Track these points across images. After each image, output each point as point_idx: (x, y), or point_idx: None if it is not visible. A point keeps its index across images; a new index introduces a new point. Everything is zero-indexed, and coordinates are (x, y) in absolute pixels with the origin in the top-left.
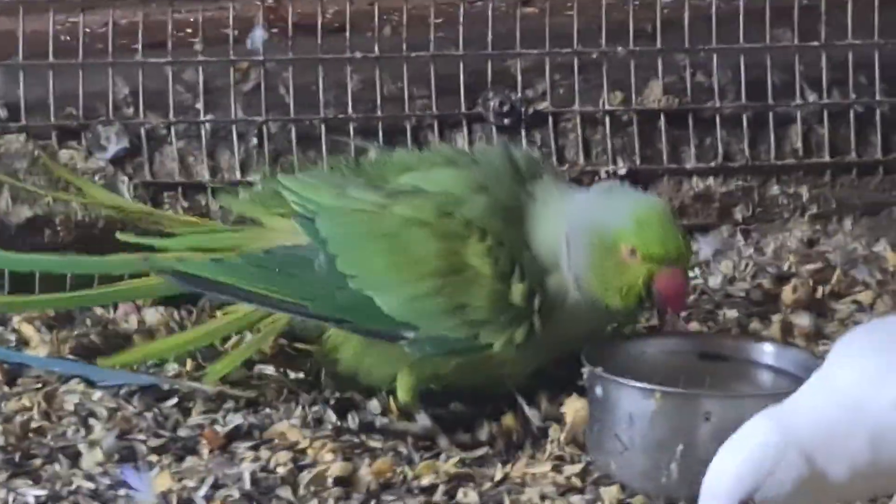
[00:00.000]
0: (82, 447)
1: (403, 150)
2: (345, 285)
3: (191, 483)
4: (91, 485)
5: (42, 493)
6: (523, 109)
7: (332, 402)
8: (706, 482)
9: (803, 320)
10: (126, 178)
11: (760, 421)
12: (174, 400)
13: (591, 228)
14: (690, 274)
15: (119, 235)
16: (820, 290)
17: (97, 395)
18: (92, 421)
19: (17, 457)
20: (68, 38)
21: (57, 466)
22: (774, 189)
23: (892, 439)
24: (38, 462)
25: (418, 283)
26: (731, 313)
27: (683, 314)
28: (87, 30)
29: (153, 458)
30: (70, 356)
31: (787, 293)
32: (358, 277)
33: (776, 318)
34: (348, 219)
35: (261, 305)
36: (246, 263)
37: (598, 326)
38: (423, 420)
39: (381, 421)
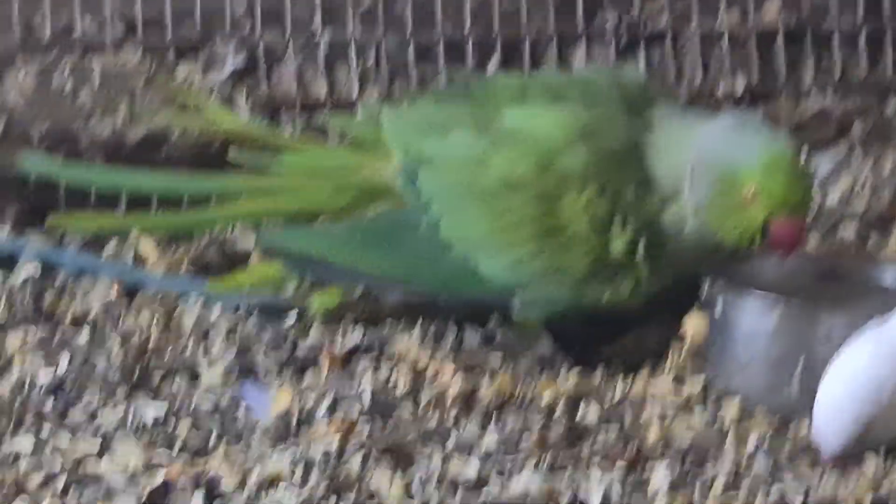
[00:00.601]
0: (202, 364)
1: (509, 76)
2: (449, 252)
3: (310, 401)
4: (210, 402)
5: (162, 409)
6: (641, 27)
7: (452, 318)
8: (818, 415)
9: None
10: (243, 95)
11: (868, 345)
12: (293, 317)
13: (717, 163)
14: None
15: (231, 156)
16: None
17: (215, 312)
18: (211, 338)
19: (136, 373)
20: None
21: (176, 383)
22: (893, 106)
23: None
24: (157, 379)
25: (521, 246)
26: (850, 231)
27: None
28: None
29: (272, 375)
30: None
31: None
32: (462, 243)
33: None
34: (450, 175)
35: (369, 285)
36: (350, 238)
37: (712, 259)
38: (545, 344)
39: (503, 340)
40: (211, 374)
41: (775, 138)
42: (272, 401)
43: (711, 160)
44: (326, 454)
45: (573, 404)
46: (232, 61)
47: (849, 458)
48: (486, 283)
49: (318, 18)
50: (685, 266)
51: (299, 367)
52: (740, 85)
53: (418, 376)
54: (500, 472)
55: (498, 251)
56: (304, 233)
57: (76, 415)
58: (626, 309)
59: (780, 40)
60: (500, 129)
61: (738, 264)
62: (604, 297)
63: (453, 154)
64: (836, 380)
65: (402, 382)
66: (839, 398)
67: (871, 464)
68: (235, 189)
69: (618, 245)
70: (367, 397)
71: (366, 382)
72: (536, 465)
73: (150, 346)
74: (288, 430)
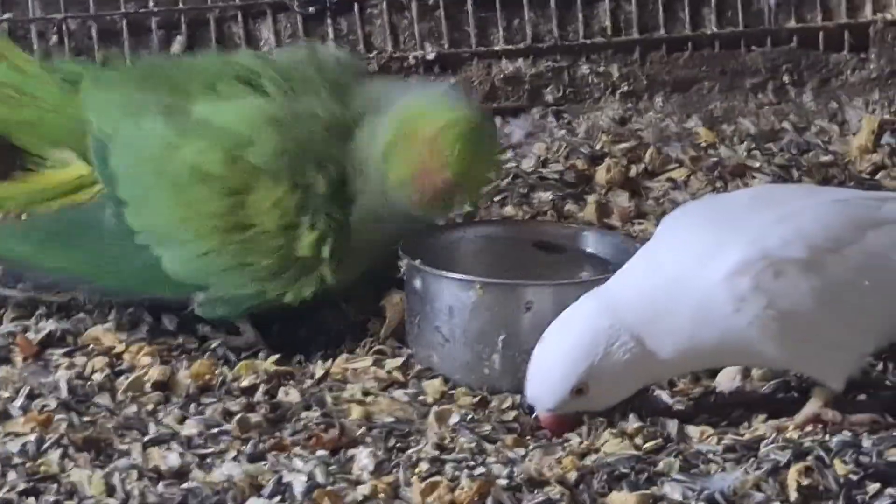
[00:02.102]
0: None
1: (204, 59)
2: (131, 248)
3: (5, 393)
4: None
5: None
6: None
7: (146, 303)
8: (533, 370)
9: (619, 200)
10: None
11: (587, 303)
12: None
13: (401, 117)
14: (502, 157)
15: None
16: (633, 168)
17: None
18: None
19: None
20: None
21: None
22: (584, 69)
23: (714, 315)
24: None
25: (205, 240)
26: (546, 196)
27: None
28: None
29: None
30: None
31: (601, 173)
32: (145, 232)
33: (591, 199)
34: (139, 159)
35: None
36: (33, 232)
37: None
38: (247, 332)
39: (204, 330)
40: None
41: (455, 104)
42: None
43: (397, 118)
44: (24, 450)
45: (273, 388)
46: None
47: (564, 419)
48: (168, 281)
49: None
50: (379, 247)
51: None
52: (431, 52)
53: (114, 364)
54: (202, 461)
55: (182, 243)
56: None
57: None
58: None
59: (469, 4)
60: (189, 119)
61: (435, 238)
62: (286, 296)
63: (145, 138)
64: (552, 337)
65: (98, 371)
66: (554, 354)
67: (575, 438)
68: None
69: (305, 242)
70: (63, 388)
71: (61, 373)
72: (239, 452)
73: None
74: None
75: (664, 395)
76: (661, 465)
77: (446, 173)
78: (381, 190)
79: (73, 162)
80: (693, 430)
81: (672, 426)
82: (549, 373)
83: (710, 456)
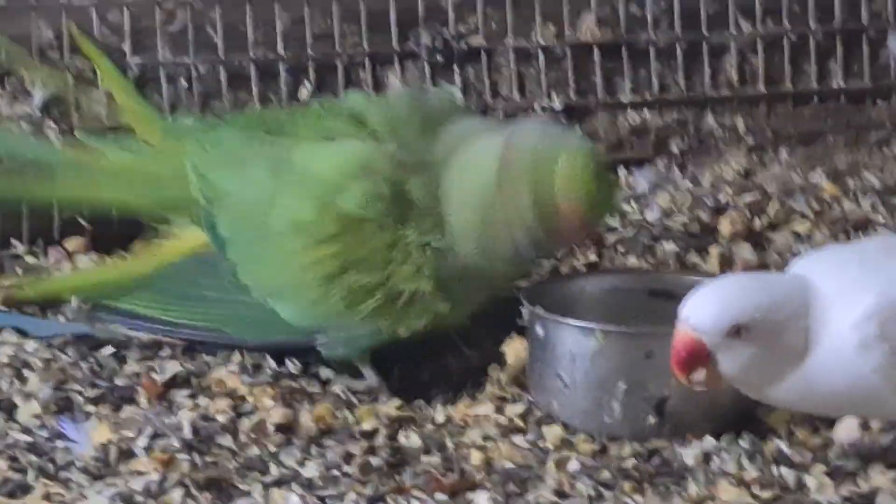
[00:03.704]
0: (18, 399)
1: (311, 104)
2: (250, 298)
3: (129, 433)
4: (28, 437)
5: None
6: (456, 45)
7: (270, 348)
8: (710, 288)
9: (742, 252)
10: (53, 124)
11: (795, 269)
12: (110, 349)
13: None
14: (627, 207)
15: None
16: (757, 221)
17: (31, 345)
18: (27, 372)
19: None
20: None
21: None
22: (710, 120)
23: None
24: None
25: (311, 289)
26: (670, 247)
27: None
28: None
29: (90, 408)
30: (1, 307)
31: (725, 225)
32: (258, 287)
33: (714, 250)
34: (243, 215)
35: (180, 336)
36: (162, 289)
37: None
38: (369, 376)
39: (326, 374)
40: (28, 409)
41: (573, 137)
42: (91, 435)
43: (516, 161)
44: (147, 489)
45: (394, 431)
46: (41, 89)
47: (699, 355)
48: (288, 327)
49: (127, 43)
50: (492, 285)
51: (117, 400)
52: (557, 102)
53: (238, 405)
54: (323, 502)
55: (291, 295)
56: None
57: None
58: (438, 333)
59: (596, 55)
60: (291, 164)
61: (560, 281)
62: (400, 330)
63: (246, 193)
64: (749, 274)
65: (221, 412)
66: (741, 283)
67: (692, 487)
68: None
69: (403, 278)
70: (187, 429)
71: (185, 414)
72: (359, 494)
73: None
74: (107, 464)
75: (783, 445)
76: None
77: (581, 204)
78: (489, 225)
79: (189, 228)
80: (811, 481)
81: (790, 476)
82: (725, 296)
83: None
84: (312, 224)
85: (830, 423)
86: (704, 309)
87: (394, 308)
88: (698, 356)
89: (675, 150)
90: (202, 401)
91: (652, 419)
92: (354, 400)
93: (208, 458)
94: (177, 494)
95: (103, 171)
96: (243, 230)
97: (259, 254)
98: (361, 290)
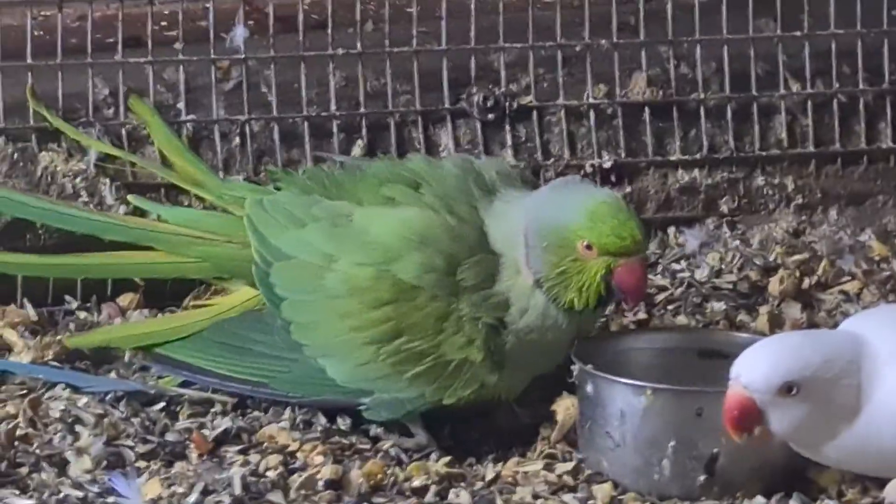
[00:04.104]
0: (69, 454)
1: (374, 165)
2: (300, 355)
3: (180, 489)
4: (79, 493)
5: (30, 502)
6: (507, 104)
7: (318, 405)
8: (763, 345)
9: (791, 311)
10: (108, 181)
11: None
12: (161, 404)
13: (544, 227)
14: (676, 266)
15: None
16: (806, 280)
17: (83, 401)
18: (78, 427)
19: (3, 466)
20: (42, 33)
21: (44, 474)
22: (759, 180)
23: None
24: (24, 470)
25: (361, 350)
26: (719, 306)
27: (641, 304)
28: (63, 26)
29: (141, 464)
30: (54, 362)
31: (774, 284)
32: (310, 346)
33: (764, 309)
34: (300, 275)
35: (225, 387)
36: (213, 340)
37: (571, 330)
38: (419, 434)
39: (376, 431)
40: (79, 465)
41: (597, 190)
42: (141, 491)
43: (539, 227)
44: None
45: (444, 489)
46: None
47: (750, 413)
48: (335, 386)
49: (182, 103)
50: (547, 345)
51: (168, 455)
52: (608, 160)
53: (288, 461)
54: None
55: (342, 355)
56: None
57: None
58: (490, 401)
59: (647, 114)
60: (350, 227)
61: (609, 338)
62: (446, 398)
63: (305, 252)
64: (802, 333)
65: (272, 469)
66: (793, 342)
67: None
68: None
69: (454, 349)
70: (237, 485)
71: (235, 470)
72: None
73: (17, 436)
74: None
75: None
76: None
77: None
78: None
79: (240, 287)
80: None
81: None
82: (776, 355)
83: None
84: (368, 289)
85: (881, 483)
86: (756, 367)
87: (441, 375)
88: (750, 415)
89: (724, 209)
90: (253, 457)
91: (702, 478)
92: (404, 457)
93: None
94: None
95: (158, 235)
96: (299, 290)
97: (313, 313)
98: (410, 354)
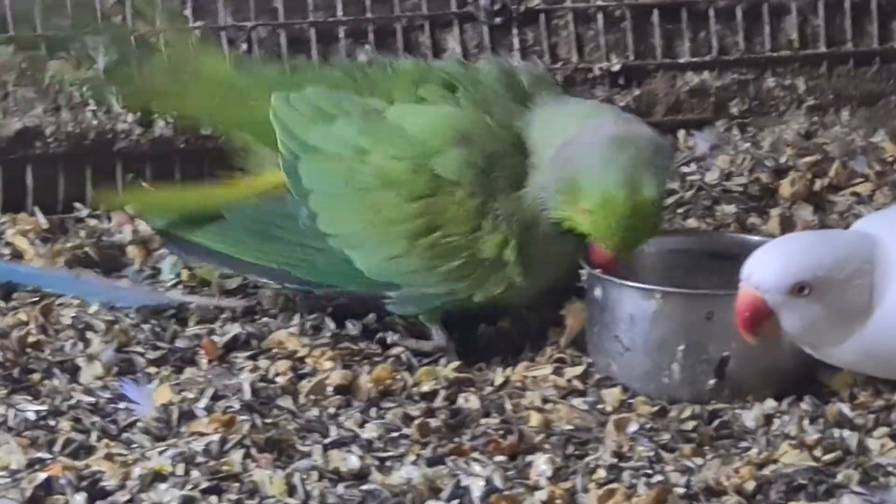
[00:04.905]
0: (81, 361)
1: (407, 63)
2: (326, 245)
3: (190, 394)
4: (91, 399)
5: (42, 407)
6: (515, 7)
7: (329, 309)
8: (773, 246)
9: (802, 213)
10: (116, 90)
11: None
12: (171, 311)
13: (566, 175)
14: (686, 169)
15: None
16: (818, 182)
17: (93, 308)
18: (89, 334)
19: (15, 372)
20: None
21: (56, 381)
22: (770, 81)
23: None
24: (36, 377)
25: (394, 243)
26: (729, 208)
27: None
28: None
29: (152, 370)
30: (64, 268)
31: (785, 187)
32: (338, 237)
33: (775, 212)
34: (329, 167)
35: (246, 274)
36: (235, 225)
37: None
38: (438, 336)
39: (392, 338)
40: (91, 371)
41: (626, 174)
42: (152, 397)
43: (562, 166)
44: (207, 450)
45: (453, 394)
46: (104, 55)
47: (761, 313)
48: (361, 278)
49: (189, 10)
50: (566, 257)
51: (178, 361)
52: (616, 63)
53: (297, 367)
54: (382, 463)
55: (372, 247)
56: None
57: None
58: (507, 305)
59: (655, 16)
60: (384, 123)
61: None
62: (476, 295)
63: (335, 145)
64: (813, 232)
65: (281, 374)
66: (804, 242)
67: (754, 449)
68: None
69: (489, 244)
70: (246, 390)
71: (245, 376)
72: (418, 456)
73: (29, 343)
74: (169, 425)
75: (845, 408)
76: (839, 477)
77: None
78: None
79: (267, 167)
80: (873, 443)
81: (852, 438)
82: (787, 254)
83: (890, 469)
84: (404, 182)
85: (893, 385)
86: (767, 267)
87: (474, 272)
88: (761, 315)
89: (734, 111)
90: (262, 363)
91: (712, 381)
92: (414, 362)
93: (268, 420)
94: (237, 455)
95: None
96: (328, 183)
97: (343, 206)
98: (445, 249)
